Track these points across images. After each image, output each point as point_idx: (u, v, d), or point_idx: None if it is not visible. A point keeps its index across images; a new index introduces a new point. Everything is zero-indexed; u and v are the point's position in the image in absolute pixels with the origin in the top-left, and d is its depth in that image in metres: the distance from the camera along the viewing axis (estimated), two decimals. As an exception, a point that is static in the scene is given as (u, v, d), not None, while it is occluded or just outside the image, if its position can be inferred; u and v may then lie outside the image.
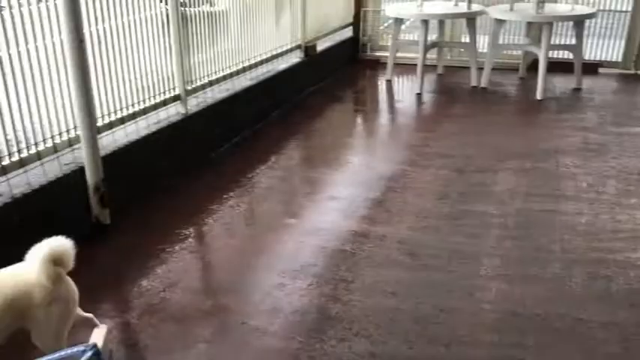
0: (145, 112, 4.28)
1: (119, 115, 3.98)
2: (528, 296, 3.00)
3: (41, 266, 2.10)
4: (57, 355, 1.52)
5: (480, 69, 6.86)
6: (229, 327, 2.82)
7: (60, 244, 2.17)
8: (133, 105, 4.12)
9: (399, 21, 7.06)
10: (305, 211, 4.07)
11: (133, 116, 4.15)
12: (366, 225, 3.77)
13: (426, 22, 6.60)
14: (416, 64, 6.75)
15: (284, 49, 6.45)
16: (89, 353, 1.37)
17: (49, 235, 2.43)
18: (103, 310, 2.85)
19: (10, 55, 3.12)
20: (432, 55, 7.55)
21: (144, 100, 4.23)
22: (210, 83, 5.07)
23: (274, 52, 6.23)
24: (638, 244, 3.47)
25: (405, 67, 7.58)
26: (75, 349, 1.38)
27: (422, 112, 6.50)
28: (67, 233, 2.50)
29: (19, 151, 3.27)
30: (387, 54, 7.41)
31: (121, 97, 4.00)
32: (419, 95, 6.81)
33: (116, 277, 3.20)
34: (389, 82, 7.41)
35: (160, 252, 3.42)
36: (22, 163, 3.29)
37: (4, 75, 3.09)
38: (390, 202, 4.11)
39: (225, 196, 4.17)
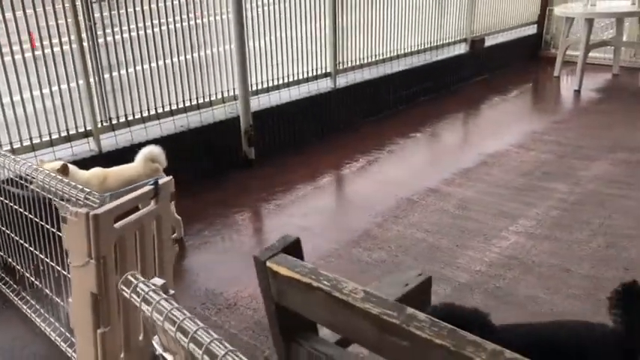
0: (298, 82, 5.57)
1: (273, 84, 5.33)
2: (537, 249, 3.52)
3: (141, 163, 3.49)
4: (136, 184, 2.79)
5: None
6: (293, 227, 3.95)
7: (153, 148, 3.54)
8: (286, 77, 5.44)
9: (569, 20, 7.24)
10: (399, 170, 4.93)
11: (287, 85, 5.48)
12: (441, 185, 4.52)
13: (589, 22, 6.73)
14: (593, 64, 6.92)
15: (445, 41, 7.21)
16: (152, 181, 2.62)
17: (212, 158, 3.93)
18: (240, 206, 4.26)
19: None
20: (610, 54, 7.56)
21: (296, 74, 5.52)
22: (361, 66, 6.17)
23: (434, 44, 7.05)
24: (686, 231, 3.63)
25: (588, 67, 7.65)
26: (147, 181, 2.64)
27: (567, 105, 6.69)
28: (224, 160, 3.92)
29: (197, 98, 4.81)
30: (574, 52, 7.54)
31: (275, 70, 5.34)
32: (577, 92, 6.97)
33: (250, 192, 4.54)
34: (557, 79, 7.62)
35: (287, 183, 4.65)
36: (198, 107, 4.83)
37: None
38: (475, 173, 4.75)
39: (359, 156, 5.20)
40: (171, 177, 2.85)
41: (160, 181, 2.71)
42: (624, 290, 1.54)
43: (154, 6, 4.42)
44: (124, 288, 1.64)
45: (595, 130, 5.61)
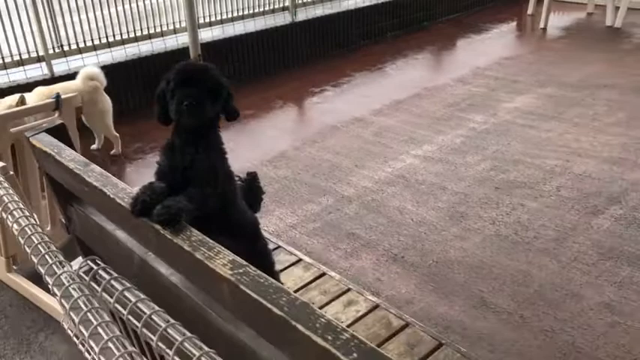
0: (253, 16, 5.85)
1: (227, 16, 5.63)
2: (426, 170, 3.86)
3: (81, 81, 3.89)
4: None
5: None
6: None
7: (93, 68, 3.93)
8: (239, 10, 5.72)
9: (542, -45, 7.22)
10: (338, 102, 5.24)
11: (242, 18, 5.76)
12: (368, 115, 4.83)
13: (558, -43, 6.73)
14: (571, 2, 7.03)
15: (416, -22, 7.30)
16: (54, 97, 3.03)
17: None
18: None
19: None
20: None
21: (251, 7, 5.80)
22: (322, 0, 6.38)
23: (403, -20, 7.15)
24: (559, 158, 3.90)
25: (564, 5, 7.69)
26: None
27: (524, 43, 6.80)
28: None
29: (149, 28, 5.16)
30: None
31: (230, 3, 5.62)
32: (543, 30, 7.05)
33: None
34: (530, 17, 7.67)
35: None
36: (150, 37, 5.18)
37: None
38: (405, 104, 5.03)
39: (308, 88, 5.52)
40: (76, 94, 3.27)
41: (63, 96, 3.13)
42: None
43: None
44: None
45: (537, 66, 5.77)
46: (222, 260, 1.08)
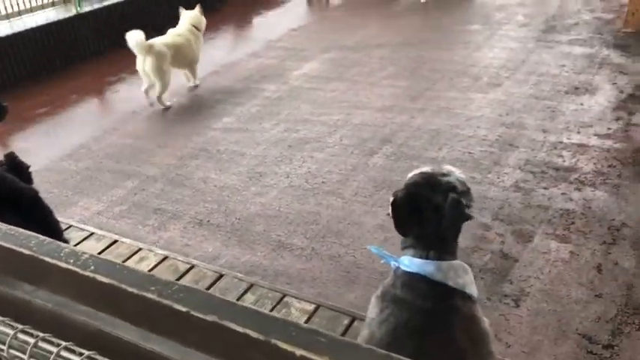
0: (32, 10, 5.58)
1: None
2: (226, 140, 4.12)
3: None
4: None
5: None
6: (12, 149, 4.18)
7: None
8: (14, 5, 5.43)
9: None
10: (134, 90, 5.26)
11: (19, 14, 5.47)
12: (167, 96, 4.94)
13: None
14: None
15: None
16: None
17: None
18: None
19: None
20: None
21: (28, 2, 5.52)
22: (106, -11, 6.25)
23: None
24: (341, 112, 4.40)
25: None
26: None
27: (310, 14, 7.38)
28: None
29: None
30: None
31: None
32: (327, 0, 7.62)
33: None
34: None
35: (22, 111, 4.78)
36: None
37: None
38: (204, 82, 5.22)
39: (102, 79, 5.44)
40: None
41: None
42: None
43: None
44: None
45: (321, 35, 6.31)
46: (-25, 223, 1.20)
